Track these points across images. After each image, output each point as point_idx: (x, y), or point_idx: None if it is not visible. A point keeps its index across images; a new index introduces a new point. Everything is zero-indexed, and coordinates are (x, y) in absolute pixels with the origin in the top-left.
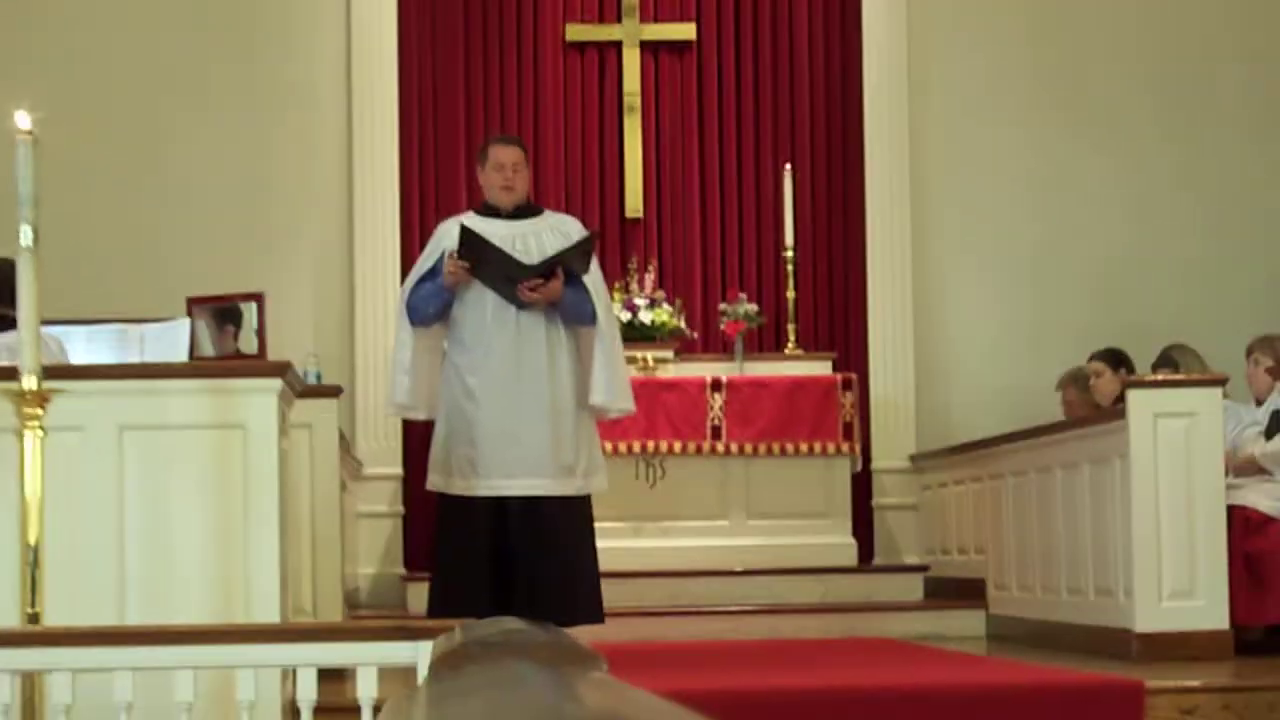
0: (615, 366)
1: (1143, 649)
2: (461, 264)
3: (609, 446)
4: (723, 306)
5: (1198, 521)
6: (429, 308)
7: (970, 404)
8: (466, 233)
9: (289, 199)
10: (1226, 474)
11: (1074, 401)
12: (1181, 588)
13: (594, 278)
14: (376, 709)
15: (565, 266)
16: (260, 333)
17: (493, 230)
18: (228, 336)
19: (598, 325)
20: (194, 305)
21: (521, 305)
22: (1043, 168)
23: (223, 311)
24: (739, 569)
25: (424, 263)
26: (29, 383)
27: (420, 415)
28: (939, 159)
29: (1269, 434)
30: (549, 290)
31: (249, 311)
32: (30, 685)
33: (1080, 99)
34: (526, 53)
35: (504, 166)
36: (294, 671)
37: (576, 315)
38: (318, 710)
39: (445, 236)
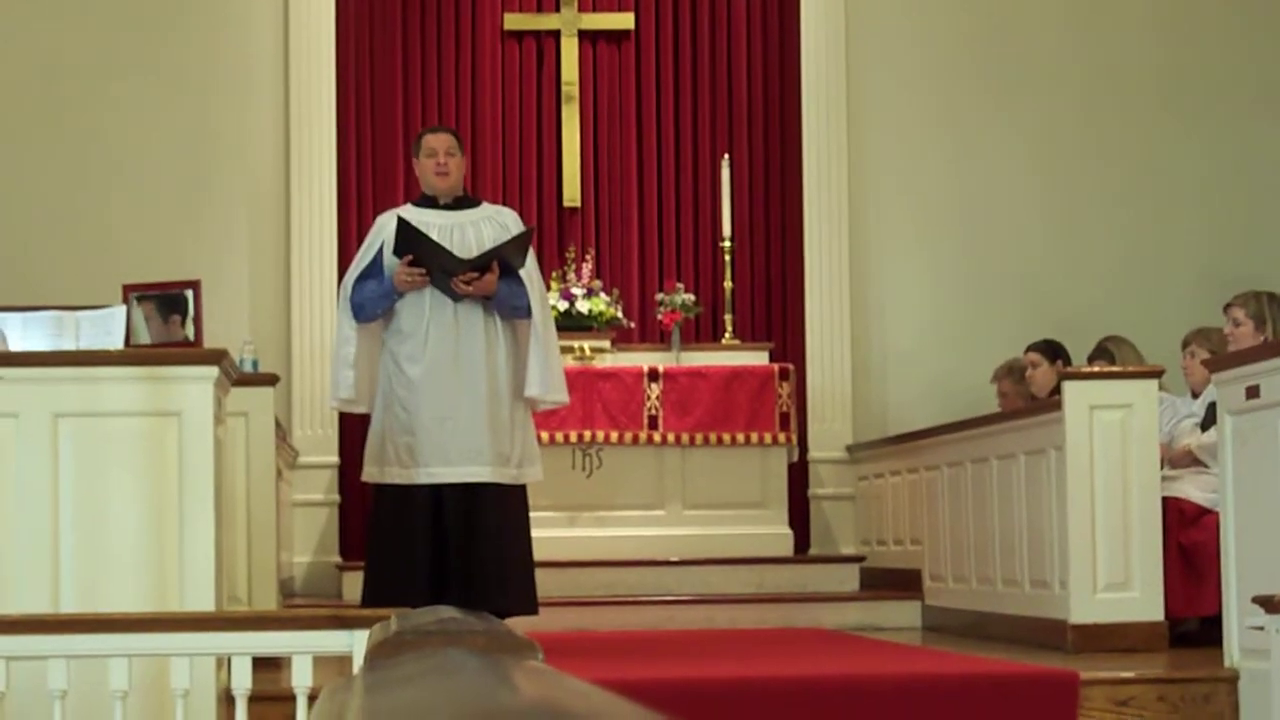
0: (550, 359)
1: (1078, 640)
2: (417, 271)
3: (545, 436)
4: (660, 296)
5: (1133, 513)
6: (377, 309)
7: (907, 395)
8: (403, 225)
9: (226, 187)
10: (1162, 466)
11: (1010, 393)
12: (1116, 579)
13: (530, 271)
14: (312, 698)
15: (501, 260)
16: (197, 320)
17: (430, 221)
18: (175, 325)
19: (533, 319)
20: (130, 292)
21: (457, 298)
22: (981, 162)
23: (169, 300)
24: (675, 559)
25: (364, 256)
26: None
27: (363, 409)
28: (877, 150)
29: (1205, 426)
30: (483, 284)
31: (187, 299)
32: None
33: (1019, 94)
34: (465, 41)
35: (436, 152)
36: (229, 660)
37: (511, 309)
38: (252, 699)
39: (383, 229)
